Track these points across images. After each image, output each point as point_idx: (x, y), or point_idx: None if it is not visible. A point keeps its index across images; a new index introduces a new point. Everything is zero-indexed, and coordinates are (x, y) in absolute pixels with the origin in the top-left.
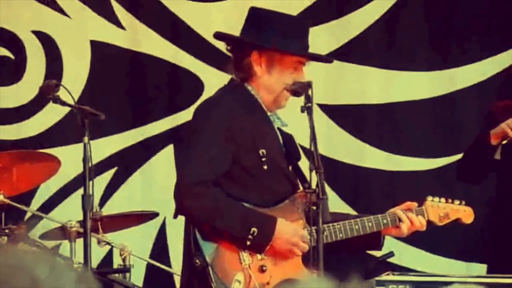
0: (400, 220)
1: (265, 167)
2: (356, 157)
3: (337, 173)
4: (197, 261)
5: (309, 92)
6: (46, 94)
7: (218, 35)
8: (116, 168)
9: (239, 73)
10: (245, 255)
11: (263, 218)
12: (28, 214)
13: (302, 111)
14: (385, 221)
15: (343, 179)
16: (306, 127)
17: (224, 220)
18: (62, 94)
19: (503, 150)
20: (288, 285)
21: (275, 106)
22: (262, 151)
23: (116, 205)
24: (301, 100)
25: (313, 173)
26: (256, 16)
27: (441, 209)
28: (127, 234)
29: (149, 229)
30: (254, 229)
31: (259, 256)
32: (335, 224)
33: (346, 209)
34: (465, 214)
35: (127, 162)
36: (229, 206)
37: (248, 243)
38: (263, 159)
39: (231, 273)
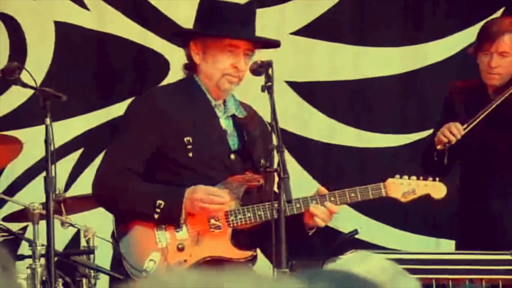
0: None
1: (190, 154)
2: (326, 135)
3: (307, 151)
4: (113, 245)
5: (269, 71)
6: (8, 76)
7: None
8: (82, 149)
9: (187, 64)
10: (161, 235)
11: (171, 191)
12: None
13: (263, 90)
14: (297, 205)
15: (313, 157)
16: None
17: (129, 200)
18: (24, 76)
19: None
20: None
21: (220, 92)
22: (187, 139)
23: (83, 186)
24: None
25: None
26: (200, 7)
27: (405, 186)
28: (95, 215)
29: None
30: (160, 201)
31: (177, 236)
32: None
33: (315, 186)
34: (435, 189)
35: (93, 143)
36: (134, 186)
37: (156, 216)
38: (188, 147)
39: (145, 255)
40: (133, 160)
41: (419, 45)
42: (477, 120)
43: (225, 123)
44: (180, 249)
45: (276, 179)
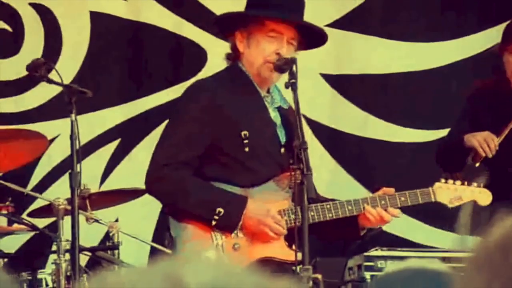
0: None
1: (247, 149)
2: (360, 128)
3: (340, 143)
4: (166, 240)
5: (294, 68)
6: (34, 72)
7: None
8: (119, 139)
9: (230, 54)
10: (217, 235)
11: (231, 199)
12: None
13: (287, 87)
14: (349, 207)
15: (346, 149)
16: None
17: (188, 202)
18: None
19: None
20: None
21: (262, 82)
22: (244, 133)
23: (119, 177)
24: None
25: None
26: None
27: (452, 191)
28: (121, 211)
29: (152, 207)
30: (219, 209)
31: (233, 235)
32: (324, 203)
33: (349, 179)
34: (481, 196)
35: (130, 134)
36: (195, 187)
37: (214, 223)
38: (245, 141)
39: (201, 252)
40: (190, 153)
41: (451, 41)
42: (508, 129)
43: (273, 115)
44: (236, 249)
45: None
